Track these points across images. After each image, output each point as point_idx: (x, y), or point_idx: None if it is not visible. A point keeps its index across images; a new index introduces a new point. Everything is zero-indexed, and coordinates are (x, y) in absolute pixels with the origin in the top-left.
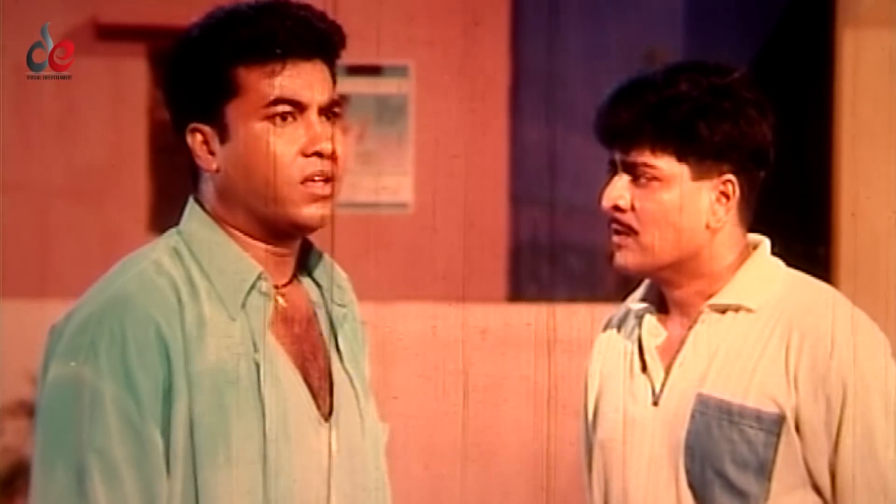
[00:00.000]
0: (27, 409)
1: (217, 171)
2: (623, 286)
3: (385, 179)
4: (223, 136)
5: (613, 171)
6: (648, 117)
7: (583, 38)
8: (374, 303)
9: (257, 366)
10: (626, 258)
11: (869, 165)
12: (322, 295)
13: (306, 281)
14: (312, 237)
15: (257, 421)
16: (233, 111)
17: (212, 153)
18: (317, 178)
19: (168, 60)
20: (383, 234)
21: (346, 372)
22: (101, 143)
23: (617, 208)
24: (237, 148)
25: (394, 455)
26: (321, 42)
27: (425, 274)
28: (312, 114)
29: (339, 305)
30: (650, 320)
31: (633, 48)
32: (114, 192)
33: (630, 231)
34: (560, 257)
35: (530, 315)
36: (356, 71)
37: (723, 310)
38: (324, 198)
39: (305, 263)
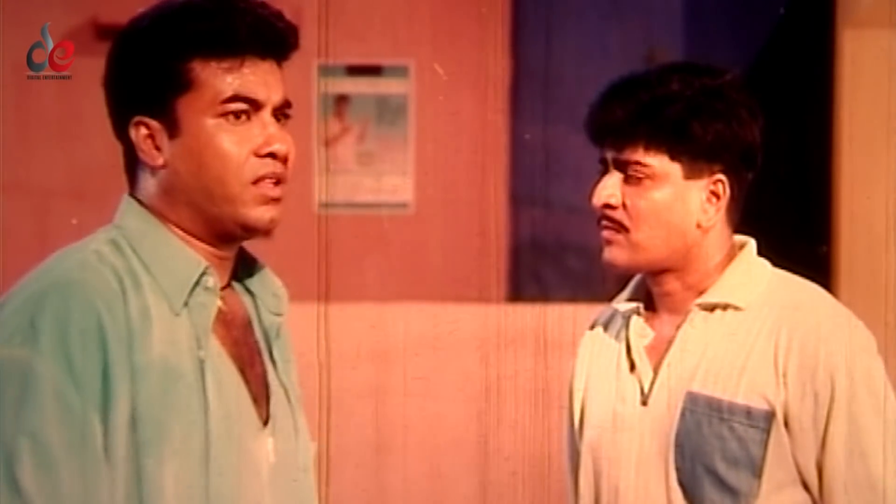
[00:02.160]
0: None
1: (163, 166)
2: (624, 286)
3: (385, 180)
4: (172, 132)
5: (605, 169)
6: (642, 116)
7: (583, 39)
8: (374, 303)
9: (201, 363)
10: (616, 255)
11: (869, 166)
12: (255, 303)
13: (239, 288)
14: (311, 237)
15: (201, 418)
16: (184, 106)
17: (157, 148)
18: (268, 180)
19: (113, 51)
20: (383, 234)
21: (281, 382)
22: (101, 143)
23: (608, 206)
24: (188, 144)
25: (394, 455)
26: (279, 42)
27: (425, 274)
28: (267, 114)
29: (275, 314)
30: (637, 321)
31: (634, 49)
32: (114, 192)
33: (621, 228)
34: (560, 258)
35: (530, 315)
36: (356, 71)
37: (711, 308)
38: (274, 200)
39: (240, 270)
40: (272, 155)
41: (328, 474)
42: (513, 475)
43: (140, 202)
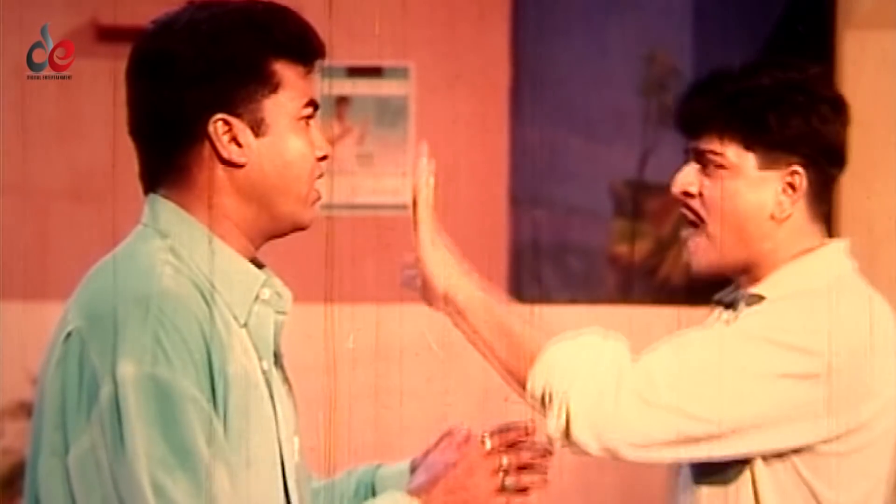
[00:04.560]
0: (27, 411)
1: (244, 164)
2: (624, 287)
3: (385, 181)
4: (258, 130)
5: (687, 160)
6: (720, 107)
7: (583, 40)
8: (374, 303)
9: (264, 373)
10: (699, 259)
11: (869, 166)
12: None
13: None
14: (311, 238)
15: (272, 426)
16: (273, 105)
17: (239, 146)
18: (318, 181)
19: (192, 47)
20: (383, 234)
21: (290, 383)
22: (101, 143)
23: (686, 194)
24: (275, 143)
25: (394, 456)
26: (320, 54)
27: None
28: (315, 120)
29: (281, 313)
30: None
31: (634, 49)
32: (114, 192)
33: (698, 220)
34: (560, 258)
35: (531, 316)
36: (356, 72)
37: (756, 299)
38: (318, 199)
39: None
40: (323, 157)
41: (329, 474)
42: None
43: (173, 203)
